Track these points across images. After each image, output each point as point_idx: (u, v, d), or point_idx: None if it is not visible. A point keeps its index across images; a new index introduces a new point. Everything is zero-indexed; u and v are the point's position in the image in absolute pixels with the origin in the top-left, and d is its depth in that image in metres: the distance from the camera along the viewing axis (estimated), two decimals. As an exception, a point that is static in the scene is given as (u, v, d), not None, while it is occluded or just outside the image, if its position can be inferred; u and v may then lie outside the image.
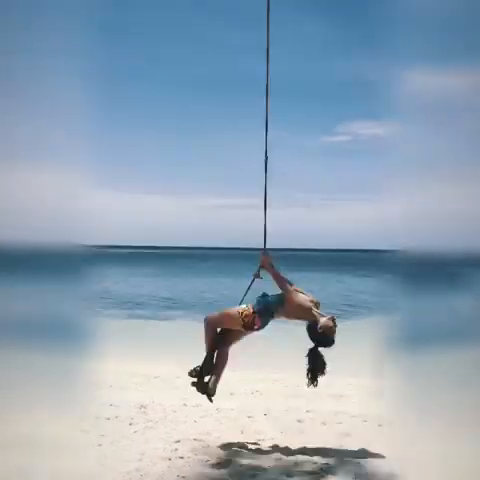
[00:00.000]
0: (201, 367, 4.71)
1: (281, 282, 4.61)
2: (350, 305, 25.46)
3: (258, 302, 4.61)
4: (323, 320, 4.35)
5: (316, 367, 4.42)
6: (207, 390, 4.67)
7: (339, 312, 22.23)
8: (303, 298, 4.52)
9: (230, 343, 4.78)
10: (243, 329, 4.60)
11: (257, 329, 4.57)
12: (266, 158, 4.86)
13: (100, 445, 4.63)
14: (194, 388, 4.75)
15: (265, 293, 4.68)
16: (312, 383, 4.44)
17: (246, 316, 4.51)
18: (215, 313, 4.79)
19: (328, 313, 4.47)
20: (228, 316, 4.63)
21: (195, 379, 4.71)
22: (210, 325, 4.74)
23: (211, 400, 4.74)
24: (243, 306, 4.61)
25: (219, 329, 4.78)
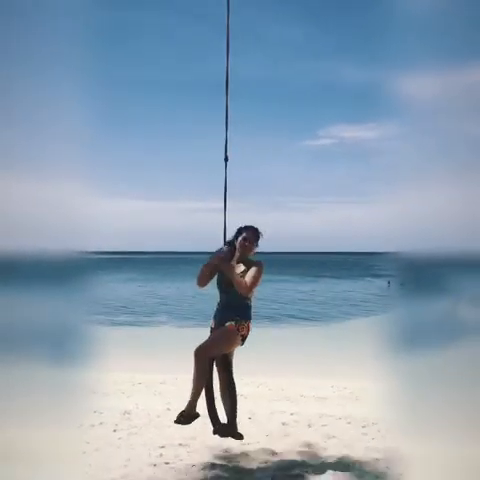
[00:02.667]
0: (210, 415, 4.15)
1: (238, 280, 4.12)
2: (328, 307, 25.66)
3: (247, 311, 4.20)
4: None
5: None
6: (234, 432, 4.15)
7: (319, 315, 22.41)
8: (253, 280, 4.15)
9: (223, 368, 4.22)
10: (240, 345, 4.20)
11: None
12: (226, 158, 4.38)
13: (84, 452, 4.59)
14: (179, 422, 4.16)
15: (232, 304, 4.18)
16: None
17: (242, 329, 4.13)
18: (209, 342, 4.13)
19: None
20: (228, 340, 4.13)
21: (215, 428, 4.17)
22: (205, 357, 4.05)
23: (242, 437, 4.20)
24: (232, 323, 4.12)
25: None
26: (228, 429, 4.14)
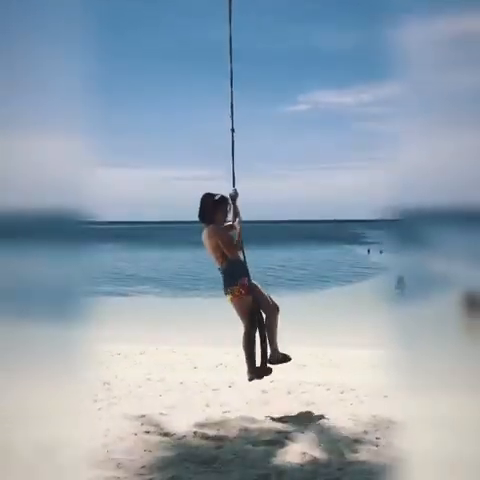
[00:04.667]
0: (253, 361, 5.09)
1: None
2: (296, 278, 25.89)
3: (247, 273, 4.93)
4: None
5: None
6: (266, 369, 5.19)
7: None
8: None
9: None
10: None
11: None
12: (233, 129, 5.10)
13: (64, 423, 4.56)
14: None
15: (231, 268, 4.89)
16: None
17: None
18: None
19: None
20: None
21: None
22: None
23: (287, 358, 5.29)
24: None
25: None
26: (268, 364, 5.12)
